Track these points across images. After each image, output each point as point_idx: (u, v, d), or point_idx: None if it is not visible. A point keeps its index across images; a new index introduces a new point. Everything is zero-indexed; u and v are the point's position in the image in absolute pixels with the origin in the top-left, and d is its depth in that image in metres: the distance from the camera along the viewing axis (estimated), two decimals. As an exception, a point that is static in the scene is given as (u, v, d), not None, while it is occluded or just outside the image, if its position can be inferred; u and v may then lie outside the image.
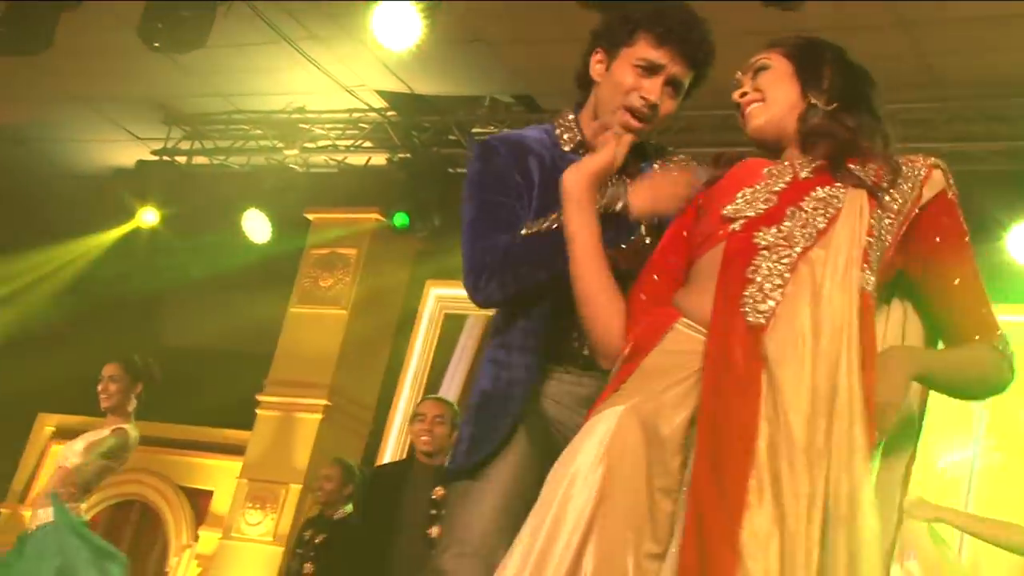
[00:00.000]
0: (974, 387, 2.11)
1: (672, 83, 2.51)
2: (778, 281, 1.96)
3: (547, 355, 2.50)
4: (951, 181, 2.09)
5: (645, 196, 2.35)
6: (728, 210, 2.10)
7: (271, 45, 7.60)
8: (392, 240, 8.48)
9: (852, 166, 2.05)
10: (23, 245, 9.15)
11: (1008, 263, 6.35)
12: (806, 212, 2.03)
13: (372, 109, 8.27)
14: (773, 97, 2.17)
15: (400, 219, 7.98)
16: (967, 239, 2.10)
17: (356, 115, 8.43)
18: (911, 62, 6.21)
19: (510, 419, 2.46)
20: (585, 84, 2.61)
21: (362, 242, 8.63)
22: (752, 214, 2.06)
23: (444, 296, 8.39)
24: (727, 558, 1.77)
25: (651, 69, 2.49)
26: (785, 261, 1.98)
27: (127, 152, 9.27)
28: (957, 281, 2.05)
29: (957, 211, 2.08)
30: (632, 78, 2.49)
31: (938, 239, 2.05)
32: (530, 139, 2.61)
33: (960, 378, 2.06)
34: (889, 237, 2.01)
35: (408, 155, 8.15)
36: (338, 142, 8.64)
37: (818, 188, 2.05)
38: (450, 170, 7.98)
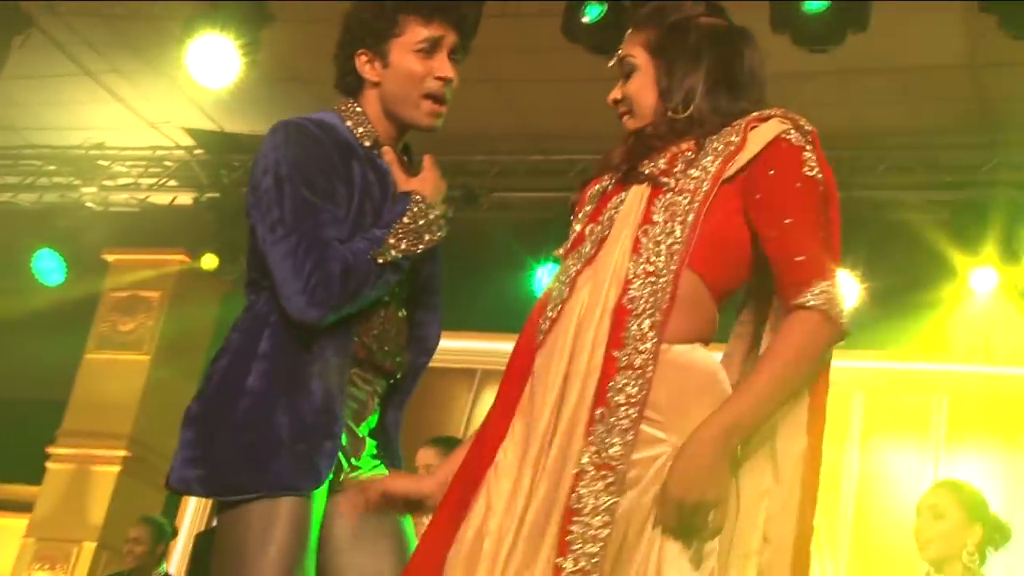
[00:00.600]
0: (799, 382, 1.89)
1: (455, 52, 2.45)
2: (558, 299, 1.98)
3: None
4: (799, 128, 1.97)
5: (432, 188, 2.43)
6: (557, 251, 2.12)
7: (70, 78, 7.25)
8: (199, 282, 8.17)
9: (639, 166, 2.03)
10: None
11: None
12: (601, 225, 2.03)
13: (178, 147, 7.98)
14: (639, 108, 2.12)
15: (209, 261, 7.71)
16: (812, 184, 1.94)
17: (160, 153, 8.11)
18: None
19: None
20: (354, 87, 2.48)
21: (166, 285, 8.29)
22: (568, 245, 2.08)
23: (255, 340, 8.13)
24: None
25: (433, 47, 2.41)
26: (564, 279, 2.00)
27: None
28: (788, 221, 1.92)
29: (800, 155, 1.94)
30: (419, 64, 2.40)
31: (771, 172, 1.93)
32: (341, 128, 2.45)
33: (781, 395, 1.87)
34: (691, 215, 1.91)
35: (217, 195, 7.88)
36: (140, 180, 8.28)
37: (613, 198, 2.05)
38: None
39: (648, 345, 1.84)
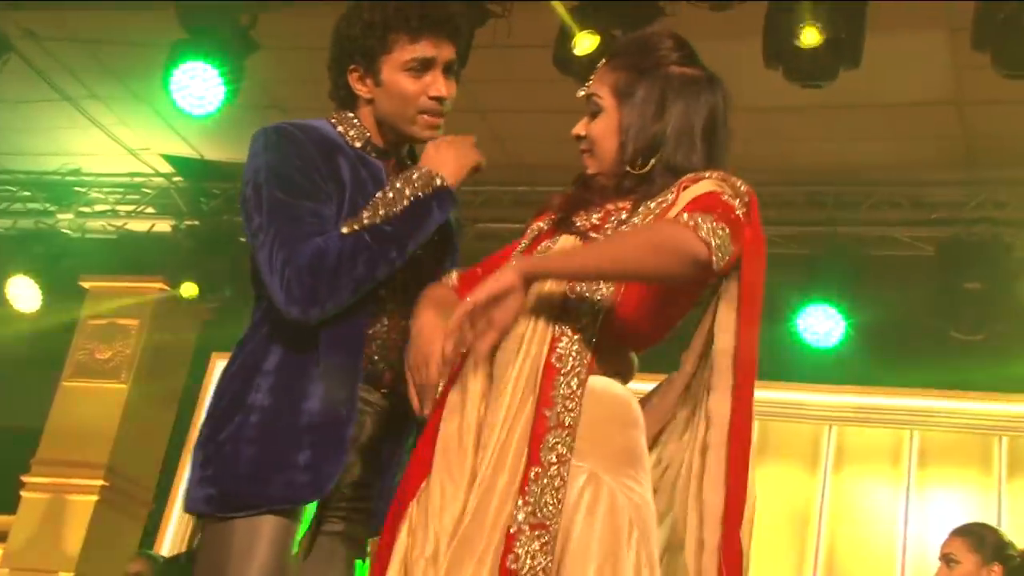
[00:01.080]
0: (633, 267, 1.91)
1: (448, 68, 2.40)
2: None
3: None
4: (735, 189, 1.98)
5: (449, 160, 2.34)
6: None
7: (48, 103, 7.16)
8: (177, 310, 8.07)
9: (575, 217, 2.06)
10: None
11: (799, 342, 6.63)
12: None
13: (157, 174, 7.90)
14: (600, 151, 2.13)
15: (188, 289, 7.61)
16: (731, 207, 1.96)
17: (139, 179, 8.03)
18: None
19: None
20: (348, 101, 2.44)
21: (144, 312, 8.18)
22: None
23: (233, 369, 8.03)
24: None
25: (424, 66, 2.37)
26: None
27: None
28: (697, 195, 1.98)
29: (732, 203, 1.96)
30: (411, 83, 2.37)
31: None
32: (327, 130, 2.41)
33: (609, 267, 1.91)
34: None
35: (196, 222, 7.80)
36: (118, 207, 8.19)
37: (545, 241, 2.08)
38: (241, 239, 7.66)
39: (575, 404, 1.88)
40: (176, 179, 7.93)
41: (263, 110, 6.83)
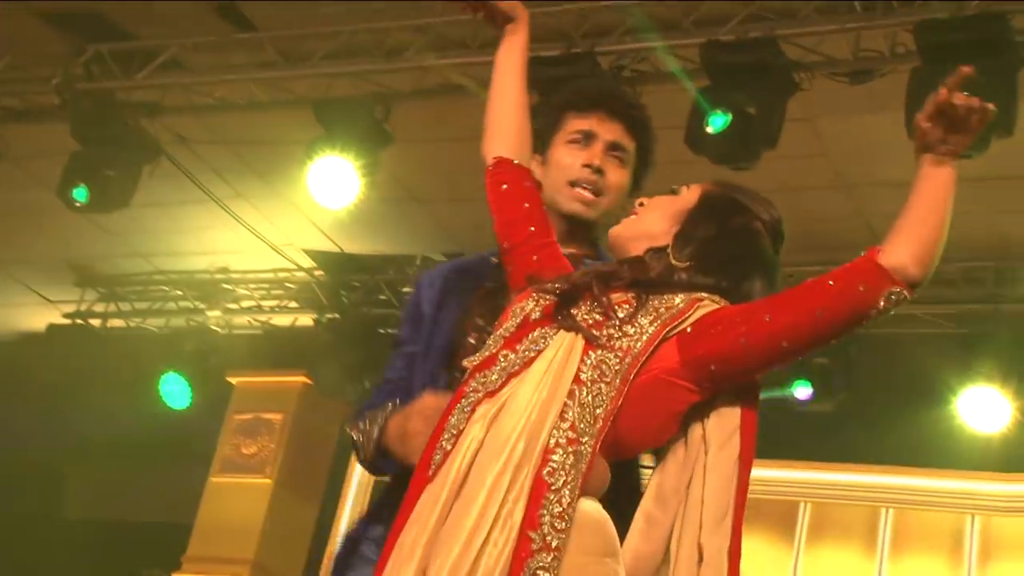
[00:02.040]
0: None
1: (614, 149, 2.32)
2: (455, 431, 1.79)
3: None
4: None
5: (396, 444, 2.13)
6: (466, 361, 1.92)
7: (195, 204, 7.38)
8: (320, 404, 8.14)
9: (574, 310, 1.86)
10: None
11: (959, 427, 6.29)
12: (516, 354, 1.83)
13: (299, 268, 8.05)
14: (644, 223, 2.03)
15: (327, 382, 7.67)
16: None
17: (282, 275, 8.19)
18: (853, 222, 6.20)
19: None
20: None
21: (288, 406, 8.28)
22: (478, 361, 1.88)
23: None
24: None
25: (586, 138, 2.32)
26: (465, 413, 1.80)
27: (37, 316, 8.85)
28: (768, 317, 1.80)
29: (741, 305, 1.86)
30: (569, 154, 2.32)
31: (736, 310, 1.84)
32: (469, 261, 2.45)
33: None
34: (618, 378, 1.76)
35: (336, 315, 7.89)
36: (263, 303, 8.37)
37: (538, 329, 1.86)
38: (380, 331, 7.72)
39: (564, 524, 1.67)
40: (317, 273, 8.06)
41: (400, 202, 6.93)
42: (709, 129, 4.93)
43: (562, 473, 1.69)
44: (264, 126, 6.53)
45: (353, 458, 7.56)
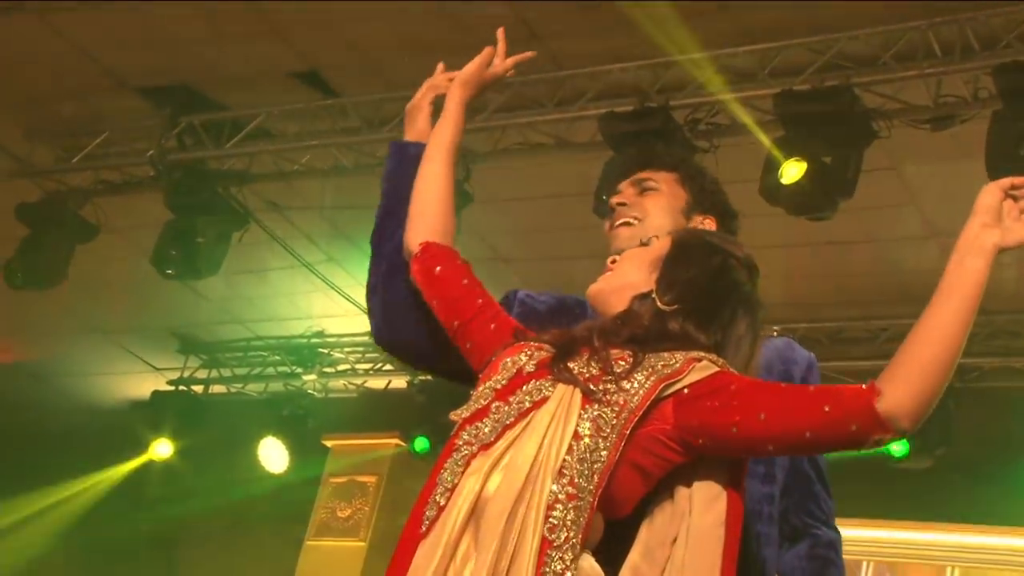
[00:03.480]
0: None
1: (638, 185, 2.32)
2: (448, 485, 1.75)
3: None
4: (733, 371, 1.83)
5: None
6: (453, 414, 1.89)
7: (289, 270, 7.53)
8: (413, 466, 8.14)
9: (571, 363, 1.82)
10: (38, 482, 8.92)
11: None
12: (509, 406, 1.79)
13: (393, 333, 8.11)
14: (624, 270, 2.02)
15: (421, 444, 7.71)
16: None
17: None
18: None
19: None
20: None
21: (382, 469, 8.31)
22: (467, 414, 1.85)
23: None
24: None
25: (614, 187, 2.37)
26: (459, 466, 1.76)
27: (143, 383, 9.10)
28: (762, 416, 1.72)
29: (740, 380, 1.79)
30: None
31: (734, 387, 1.76)
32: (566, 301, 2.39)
33: None
34: (615, 434, 1.72)
35: (429, 377, 7.92)
36: (357, 366, 8.47)
37: (532, 381, 1.81)
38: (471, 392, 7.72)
39: None
40: (408, 336, 8.11)
41: (484, 262, 6.94)
42: (784, 180, 4.85)
43: (563, 530, 1.66)
44: (350, 190, 6.64)
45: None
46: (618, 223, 2.27)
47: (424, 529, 1.73)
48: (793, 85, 5.05)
